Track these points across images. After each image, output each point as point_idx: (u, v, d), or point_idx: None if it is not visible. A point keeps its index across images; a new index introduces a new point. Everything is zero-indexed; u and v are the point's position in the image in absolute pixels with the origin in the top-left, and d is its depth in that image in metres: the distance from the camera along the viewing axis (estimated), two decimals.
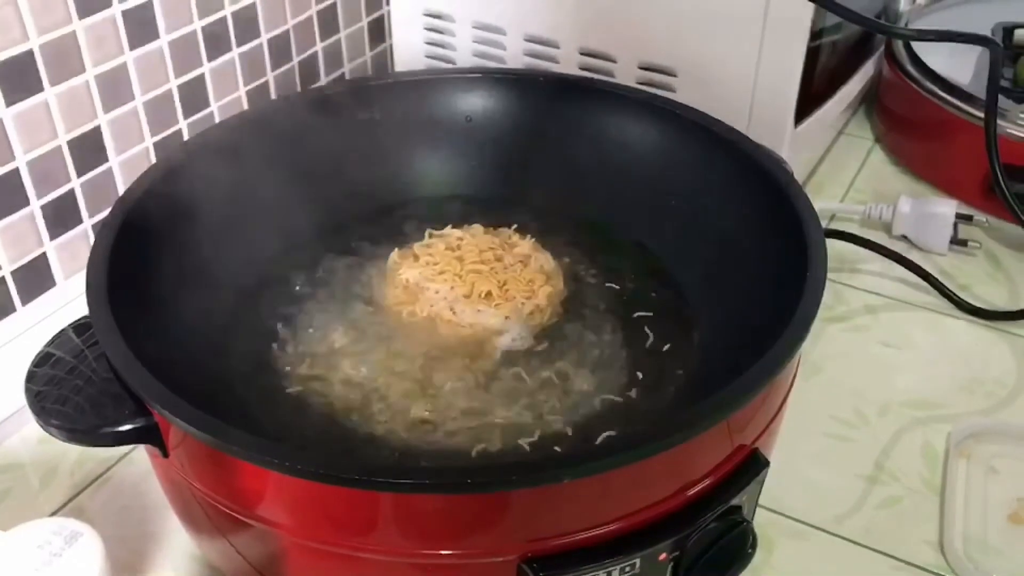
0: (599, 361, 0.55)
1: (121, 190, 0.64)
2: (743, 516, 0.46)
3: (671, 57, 0.75)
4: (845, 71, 0.88)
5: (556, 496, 0.40)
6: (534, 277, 0.59)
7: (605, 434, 0.50)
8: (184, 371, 0.48)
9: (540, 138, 0.65)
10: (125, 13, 0.63)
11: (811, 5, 0.69)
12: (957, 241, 0.79)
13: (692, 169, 0.61)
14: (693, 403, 0.44)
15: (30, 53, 0.58)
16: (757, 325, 0.49)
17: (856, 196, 0.86)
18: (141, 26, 0.64)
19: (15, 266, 0.62)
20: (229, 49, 0.72)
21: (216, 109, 0.72)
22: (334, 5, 0.81)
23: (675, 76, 0.75)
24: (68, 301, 0.65)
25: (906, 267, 0.75)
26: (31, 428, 0.62)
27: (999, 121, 0.75)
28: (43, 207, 0.62)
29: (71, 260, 0.65)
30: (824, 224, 0.77)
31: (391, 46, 0.89)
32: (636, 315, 0.57)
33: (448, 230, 0.62)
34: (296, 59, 0.79)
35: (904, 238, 0.80)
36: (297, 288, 0.59)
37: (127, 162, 0.67)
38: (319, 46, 0.81)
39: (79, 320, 0.48)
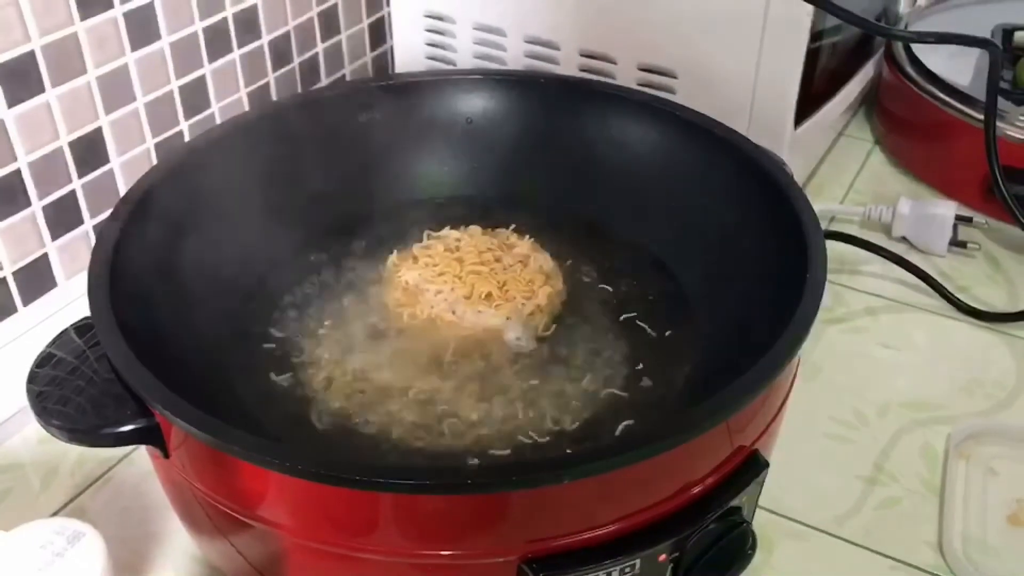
0: (599, 361, 0.55)
1: (122, 191, 0.64)
2: (743, 517, 0.46)
3: (671, 59, 0.75)
4: (845, 73, 0.88)
5: (556, 497, 0.41)
6: (534, 277, 0.59)
7: (606, 434, 0.50)
8: (185, 372, 0.48)
9: (541, 139, 0.65)
10: (126, 14, 0.63)
11: (811, 7, 0.69)
12: (957, 243, 0.79)
13: (692, 171, 0.61)
14: (693, 404, 0.44)
15: (32, 54, 0.58)
16: (757, 326, 0.49)
17: (856, 198, 0.86)
18: (142, 27, 0.64)
19: (16, 267, 0.62)
20: (230, 50, 0.72)
21: (217, 110, 0.73)
22: (335, 6, 0.82)
23: (675, 78, 0.75)
24: (69, 302, 0.65)
25: (906, 268, 0.75)
26: (32, 428, 0.62)
27: (998, 123, 0.75)
28: (44, 208, 0.62)
29: (72, 261, 0.65)
30: (824, 225, 0.77)
31: (392, 47, 0.89)
32: (636, 316, 0.58)
33: (446, 231, 0.63)
34: (297, 60, 0.79)
35: (904, 240, 0.80)
36: (297, 289, 0.59)
37: (128, 163, 0.67)
38: (320, 47, 0.81)
39: (80, 321, 0.48)
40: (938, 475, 0.61)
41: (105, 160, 0.65)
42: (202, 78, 0.70)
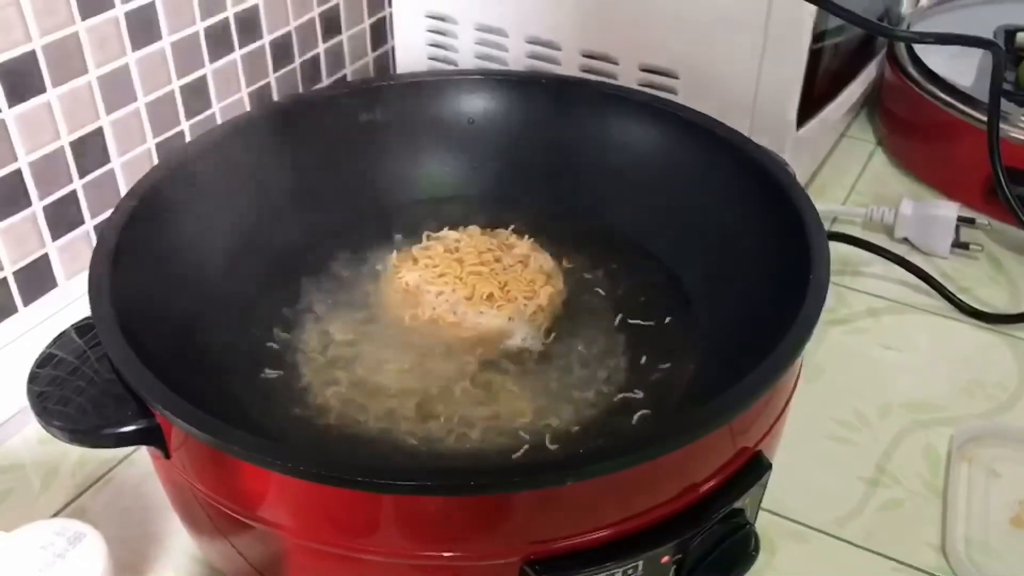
0: (601, 362, 0.55)
1: (123, 191, 0.64)
2: (746, 519, 0.46)
3: (673, 59, 0.75)
4: (847, 73, 0.88)
5: (559, 498, 0.40)
6: (534, 277, 0.59)
7: (609, 436, 0.50)
8: (185, 372, 0.48)
9: (542, 139, 0.65)
10: (127, 14, 0.63)
11: (813, 7, 0.69)
12: (959, 244, 0.79)
13: (694, 171, 0.61)
14: (696, 406, 0.44)
15: (32, 54, 0.58)
16: (759, 328, 0.49)
17: (858, 199, 0.86)
18: (143, 27, 0.64)
19: (17, 267, 0.62)
20: (231, 50, 0.72)
21: (218, 110, 0.73)
22: (336, 6, 0.81)
23: (677, 78, 0.75)
24: (70, 302, 0.65)
25: (908, 270, 0.75)
26: (32, 428, 0.62)
27: (1001, 124, 0.75)
28: (45, 208, 0.62)
29: (73, 261, 0.65)
30: (826, 226, 0.77)
31: (393, 48, 0.89)
32: (637, 316, 0.57)
33: (445, 232, 0.62)
34: (298, 60, 0.79)
35: (906, 241, 0.80)
36: (298, 290, 0.59)
37: (129, 163, 0.67)
38: (321, 47, 0.81)
39: (81, 321, 0.48)
40: (940, 476, 0.61)
41: (106, 160, 0.65)
42: (203, 78, 0.70)
